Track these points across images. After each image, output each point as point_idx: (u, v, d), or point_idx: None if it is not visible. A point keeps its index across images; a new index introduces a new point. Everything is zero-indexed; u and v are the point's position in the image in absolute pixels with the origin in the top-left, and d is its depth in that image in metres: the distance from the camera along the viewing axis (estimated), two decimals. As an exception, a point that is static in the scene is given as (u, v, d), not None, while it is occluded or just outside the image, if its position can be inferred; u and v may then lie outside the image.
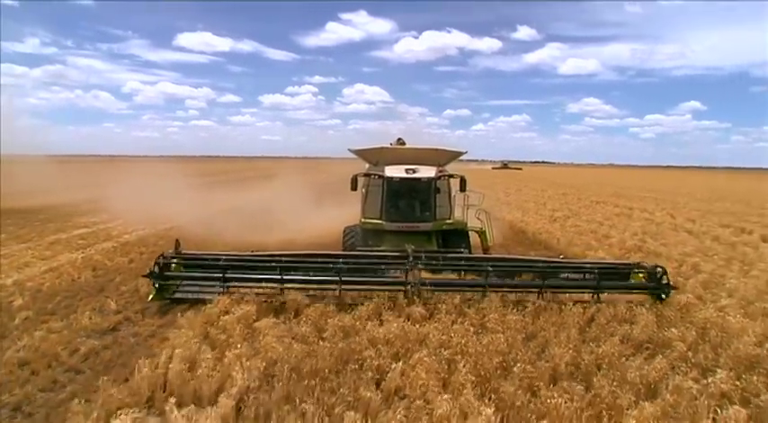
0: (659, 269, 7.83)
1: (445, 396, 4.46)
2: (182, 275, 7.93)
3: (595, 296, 7.58)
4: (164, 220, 16.02)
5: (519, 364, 5.16)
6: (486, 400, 4.39)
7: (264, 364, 5.24)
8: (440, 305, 7.00)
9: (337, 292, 7.39)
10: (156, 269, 7.49)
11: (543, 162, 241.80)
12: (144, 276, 7.76)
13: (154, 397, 4.70)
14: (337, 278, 7.40)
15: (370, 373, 4.98)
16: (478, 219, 10.83)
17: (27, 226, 15.27)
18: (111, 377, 5.00)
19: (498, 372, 5.10)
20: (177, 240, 8.31)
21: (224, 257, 7.95)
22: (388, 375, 4.97)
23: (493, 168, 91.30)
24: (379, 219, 9.91)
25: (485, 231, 10.72)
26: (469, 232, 10.51)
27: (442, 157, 10.63)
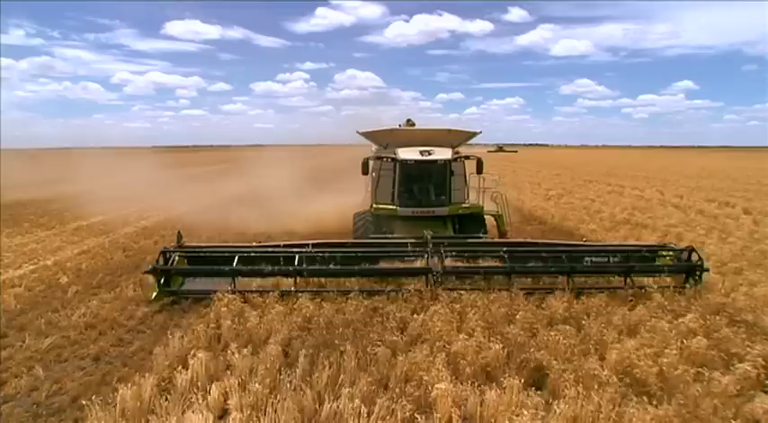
0: (687, 251, 7.38)
1: (460, 336, 5.33)
2: (186, 269, 7.61)
3: (629, 280, 7.25)
4: (176, 207, 16.82)
5: (521, 313, 6.06)
6: (494, 339, 5.26)
7: (300, 319, 6.09)
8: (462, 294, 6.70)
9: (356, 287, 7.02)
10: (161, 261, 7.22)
11: (537, 144, 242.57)
12: (145, 273, 7.41)
13: (211, 347, 5.52)
14: (355, 268, 7.27)
15: (394, 323, 5.85)
16: (494, 202, 10.37)
17: (46, 215, 16.02)
18: (172, 333, 5.80)
19: (503, 319, 5.98)
20: (179, 232, 8.05)
21: (230, 251, 7.63)
22: (410, 325, 5.85)
23: (488, 152, 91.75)
24: (392, 204, 9.52)
25: (501, 215, 10.25)
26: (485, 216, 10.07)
27: (455, 138, 10.17)
